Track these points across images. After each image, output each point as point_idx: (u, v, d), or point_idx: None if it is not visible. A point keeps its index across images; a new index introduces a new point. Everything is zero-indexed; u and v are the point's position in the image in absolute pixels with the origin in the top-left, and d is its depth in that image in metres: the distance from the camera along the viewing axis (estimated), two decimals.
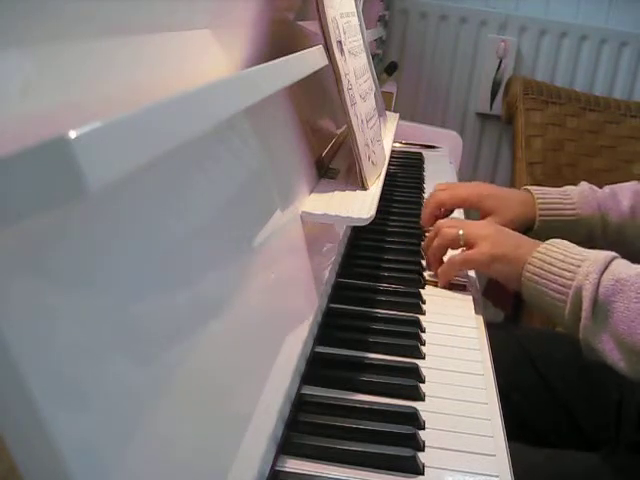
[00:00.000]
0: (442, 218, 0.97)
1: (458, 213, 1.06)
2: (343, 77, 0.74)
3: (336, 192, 0.75)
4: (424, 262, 0.91)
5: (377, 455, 0.51)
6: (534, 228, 0.95)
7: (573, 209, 0.96)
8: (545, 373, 0.91)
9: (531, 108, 1.88)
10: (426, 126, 1.71)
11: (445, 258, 0.87)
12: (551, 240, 0.77)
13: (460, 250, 0.85)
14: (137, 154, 0.28)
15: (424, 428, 0.56)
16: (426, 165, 1.47)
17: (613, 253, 0.73)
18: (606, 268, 0.70)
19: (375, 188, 0.79)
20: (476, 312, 0.80)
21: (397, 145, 1.60)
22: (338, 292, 0.79)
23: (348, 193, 0.76)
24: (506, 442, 0.56)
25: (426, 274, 0.88)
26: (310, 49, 0.68)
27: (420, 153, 1.56)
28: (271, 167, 0.62)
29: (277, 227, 0.59)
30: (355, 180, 0.78)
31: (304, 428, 0.54)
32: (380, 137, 0.95)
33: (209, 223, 0.46)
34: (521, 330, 1.07)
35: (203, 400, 0.39)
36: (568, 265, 0.72)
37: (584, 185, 1.00)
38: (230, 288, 0.47)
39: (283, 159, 0.68)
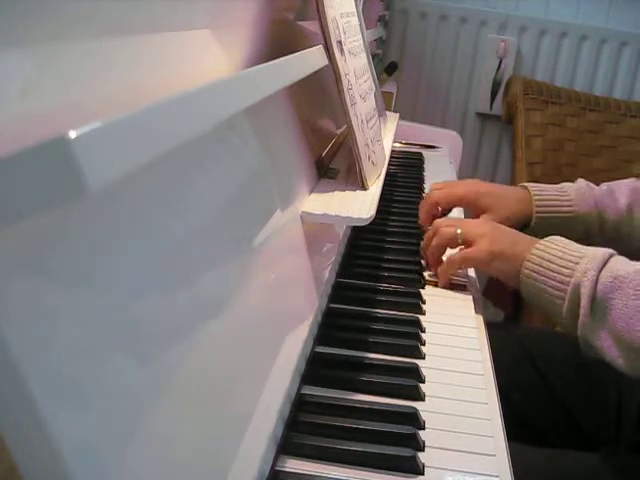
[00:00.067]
0: (440, 217, 0.97)
1: (458, 212, 1.06)
2: (343, 77, 0.74)
3: (336, 192, 0.75)
4: (424, 262, 0.91)
5: (377, 455, 0.51)
6: (531, 225, 0.95)
7: (570, 206, 0.96)
8: (545, 373, 0.91)
9: (531, 108, 1.88)
10: (426, 126, 1.71)
11: (444, 258, 0.87)
12: (549, 237, 0.77)
13: (458, 249, 0.85)
14: (137, 154, 0.28)
15: (424, 428, 0.56)
16: (426, 165, 1.47)
17: (611, 250, 0.73)
18: (604, 265, 0.70)
19: (375, 188, 0.79)
20: (476, 312, 0.80)
21: (397, 145, 1.60)
22: (338, 292, 0.79)
23: (348, 193, 0.76)
24: (506, 442, 0.56)
25: (426, 274, 0.88)
26: (310, 49, 0.68)
27: (420, 153, 1.56)
28: (271, 167, 0.62)
29: (277, 227, 0.59)
30: (355, 180, 0.78)
31: (304, 428, 0.54)
32: (380, 137, 0.95)
33: (209, 223, 0.46)
34: (521, 330, 1.07)
35: (203, 400, 0.39)
36: (566, 262, 0.72)
37: (581, 182, 1.00)
38: (230, 288, 0.47)
39: (283, 159, 0.68)
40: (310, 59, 0.67)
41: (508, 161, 2.03)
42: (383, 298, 0.79)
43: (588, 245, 0.76)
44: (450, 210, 1.02)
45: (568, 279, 0.71)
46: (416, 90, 2.01)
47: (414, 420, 0.56)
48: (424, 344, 0.71)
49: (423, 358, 0.68)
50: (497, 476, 0.52)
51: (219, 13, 0.57)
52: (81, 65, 0.36)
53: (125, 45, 0.41)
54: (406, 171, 1.39)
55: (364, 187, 0.78)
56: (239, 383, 0.45)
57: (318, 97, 0.95)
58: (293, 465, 0.50)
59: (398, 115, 1.44)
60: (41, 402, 0.25)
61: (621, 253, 0.73)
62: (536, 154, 1.88)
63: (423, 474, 0.51)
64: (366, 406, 0.57)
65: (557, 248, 0.75)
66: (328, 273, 0.75)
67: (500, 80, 1.98)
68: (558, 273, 0.72)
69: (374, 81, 1.08)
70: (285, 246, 0.62)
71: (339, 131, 1.04)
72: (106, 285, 0.32)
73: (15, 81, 0.29)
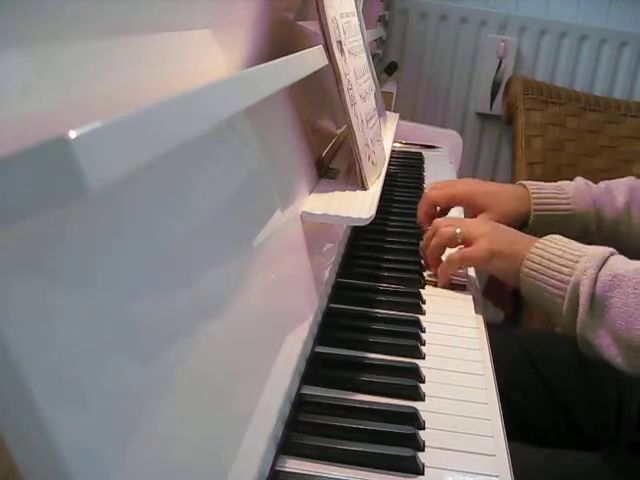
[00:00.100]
0: (438, 217, 0.97)
1: (458, 212, 1.06)
2: (343, 77, 0.74)
3: (336, 192, 0.75)
4: (423, 262, 0.91)
5: (377, 455, 0.51)
6: (529, 223, 0.95)
7: (568, 204, 0.96)
8: (545, 373, 0.91)
9: (531, 108, 1.88)
10: (426, 126, 1.71)
11: (443, 257, 0.87)
12: (549, 236, 0.77)
13: (458, 248, 0.85)
14: (137, 154, 0.28)
15: (424, 428, 0.56)
16: (426, 165, 1.47)
17: (611, 249, 0.73)
18: (604, 264, 0.70)
19: (375, 188, 0.79)
20: (476, 312, 0.80)
21: (397, 145, 1.60)
22: (338, 292, 0.79)
23: (348, 193, 0.76)
24: (506, 442, 0.56)
25: (426, 274, 0.88)
26: (310, 49, 0.68)
27: (420, 153, 1.56)
28: (271, 167, 0.62)
29: (277, 227, 0.59)
30: (355, 180, 0.78)
31: (304, 428, 0.54)
32: (380, 137, 0.95)
33: (209, 223, 0.46)
34: (521, 330, 1.07)
35: (203, 400, 0.39)
36: (566, 261, 0.72)
37: (579, 180, 1.00)
38: (230, 288, 0.47)
39: (283, 159, 0.68)
40: (310, 59, 0.67)
41: (508, 161, 2.03)
42: (383, 298, 0.79)
43: (588, 244, 0.76)
44: (448, 210, 1.02)
45: (568, 278, 0.71)
46: (416, 90, 2.01)
47: (414, 420, 0.56)
48: (424, 344, 0.71)
49: (423, 358, 0.68)
50: (497, 476, 0.52)
51: (219, 13, 0.57)
52: (81, 65, 0.36)
53: (125, 45, 0.41)
54: (406, 171, 1.39)
55: (364, 187, 0.78)
56: (239, 383, 0.45)
57: (318, 97, 0.95)
58: (293, 465, 0.50)
59: (398, 115, 1.44)
60: (41, 402, 0.25)
61: (620, 252, 0.73)
62: (536, 154, 1.88)
63: (423, 474, 0.51)
64: (366, 406, 0.57)
65: (557, 247, 0.75)
66: (328, 273, 0.75)
67: (500, 80, 1.98)
68: (558, 272, 0.72)
69: (374, 81, 1.08)
70: (285, 246, 0.62)
71: (339, 131, 1.04)
72: (106, 285, 0.32)
73: (15, 81, 0.29)
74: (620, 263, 0.70)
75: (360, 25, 0.98)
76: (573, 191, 0.97)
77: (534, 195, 0.96)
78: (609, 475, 0.75)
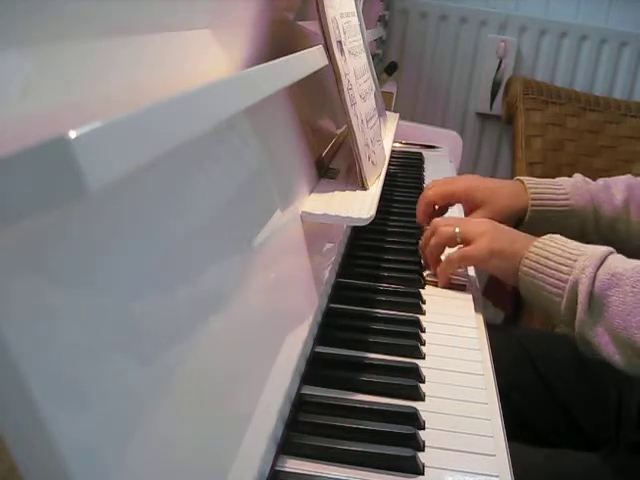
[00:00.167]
0: (437, 215, 0.97)
1: (458, 211, 1.06)
2: (343, 77, 0.74)
3: (336, 192, 0.75)
4: (423, 261, 0.90)
5: (377, 455, 0.51)
6: (526, 219, 0.95)
7: (566, 199, 0.95)
8: (545, 373, 0.91)
9: (531, 108, 1.88)
10: (426, 126, 1.71)
11: (443, 257, 0.87)
12: (548, 235, 0.77)
13: (457, 248, 0.85)
14: (137, 154, 0.28)
15: (424, 428, 0.56)
16: (426, 165, 1.47)
17: (610, 248, 0.73)
18: (602, 262, 0.70)
19: (375, 188, 0.79)
20: (476, 312, 0.80)
21: (397, 145, 1.60)
22: (338, 292, 0.79)
23: (348, 193, 0.76)
24: (506, 442, 0.56)
25: (426, 274, 0.88)
26: (310, 49, 0.68)
27: (420, 153, 1.56)
28: (271, 167, 0.62)
29: (277, 227, 0.59)
30: (355, 180, 0.78)
31: (304, 428, 0.54)
32: (380, 137, 0.95)
33: (209, 223, 0.46)
34: (521, 330, 1.07)
35: (203, 400, 0.39)
36: (565, 260, 0.72)
37: (577, 177, 0.99)
38: (230, 288, 0.47)
39: (283, 159, 0.68)
40: (310, 59, 0.67)
41: (508, 161, 2.03)
42: (383, 298, 0.79)
43: (587, 243, 0.76)
44: (447, 208, 1.02)
45: (566, 276, 0.71)
46: (416, 90, 2.02)
47: (414, 420, 0.56)
48: (424, 344, 0.71)
49: (423, 358, 0.68)
50: (497, 476, 0.52)
51: (219, 13, 0.57)
52: (81, 65, 0.36)
53: (125, 45, 0.41)
54: (406, 171, 1.39)
55: (364, 187, 0.78)
56: (239, 383, 0.45)
57: (318, 97, 0.95)
58: (293, 465, 0.50)
59: (398, 115, 1.44)
60: (41, 402, 0.25)
61: (619, 251, 0.73)
62: (536, 154, 1.88)
63: (423, 474, 0.51)
64: (366, 406, 0.57)
65: (556, 246, 0.74)
66: (328, 273, 0.75)
67: (500, 80, 1.98)
68: (556, 270, 0.72)
69: (374, 81, 1.08)
70: (285, 246, 0.62)
71: (339, 131, 1.04)
72: (106, 285, 0.32)
73: (15, 81, 0.29)
74: (619, 262, 0.70)
75: (360, 25, 0.98)
76: (571, 187, 0.96)
77: (531, 190, 0.95)
78: (609, 475, 0.75)
